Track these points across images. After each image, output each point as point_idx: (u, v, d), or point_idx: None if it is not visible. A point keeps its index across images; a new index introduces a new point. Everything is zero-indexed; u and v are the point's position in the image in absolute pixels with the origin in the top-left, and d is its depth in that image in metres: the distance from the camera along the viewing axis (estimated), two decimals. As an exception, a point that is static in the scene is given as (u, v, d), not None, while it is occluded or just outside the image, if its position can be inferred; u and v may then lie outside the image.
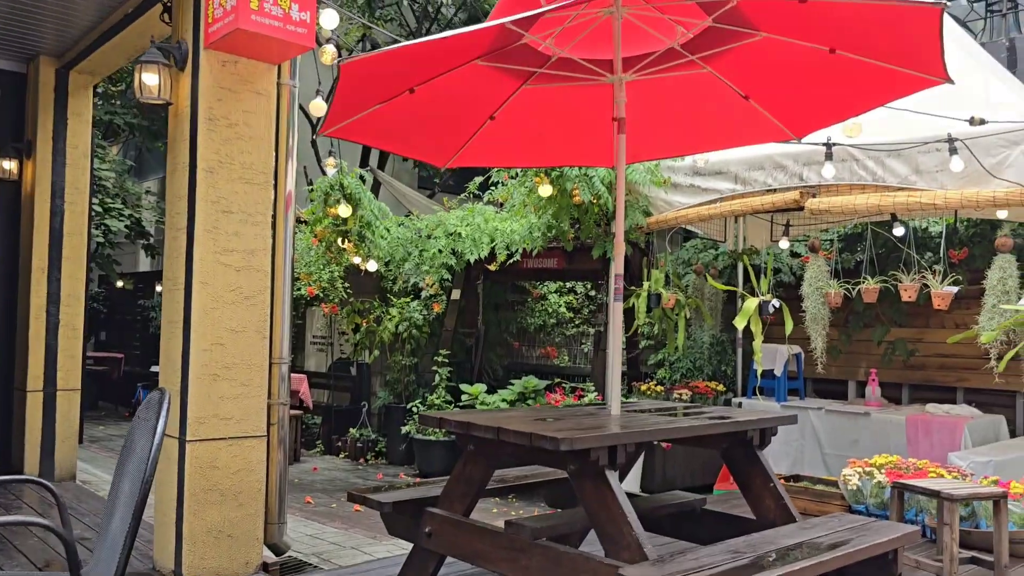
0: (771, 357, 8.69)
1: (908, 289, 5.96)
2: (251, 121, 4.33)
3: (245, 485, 4.32)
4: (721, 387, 8.56)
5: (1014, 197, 5.14)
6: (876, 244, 8.07)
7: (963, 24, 11.20)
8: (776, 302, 6.84)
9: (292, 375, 10.32)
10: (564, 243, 7.91)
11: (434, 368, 8.92)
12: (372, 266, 8.88)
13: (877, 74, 3.67)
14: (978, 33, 12.48)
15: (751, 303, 6.71)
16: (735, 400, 8.63)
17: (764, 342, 9.17)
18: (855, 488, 5.83)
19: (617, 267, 3.77)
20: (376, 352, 9.93)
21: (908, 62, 3.49)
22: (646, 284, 7.68)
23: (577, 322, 11.52)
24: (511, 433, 3.09)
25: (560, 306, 11.47)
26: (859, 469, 5.79)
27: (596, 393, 7.64)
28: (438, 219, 9.38)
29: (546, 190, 7.19)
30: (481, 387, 8.30)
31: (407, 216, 10.08)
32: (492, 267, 8.45)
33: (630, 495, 4.10)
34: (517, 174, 7.75)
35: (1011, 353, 5.18)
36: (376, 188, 14.22)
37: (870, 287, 6.36)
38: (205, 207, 4.19)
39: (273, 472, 4.75)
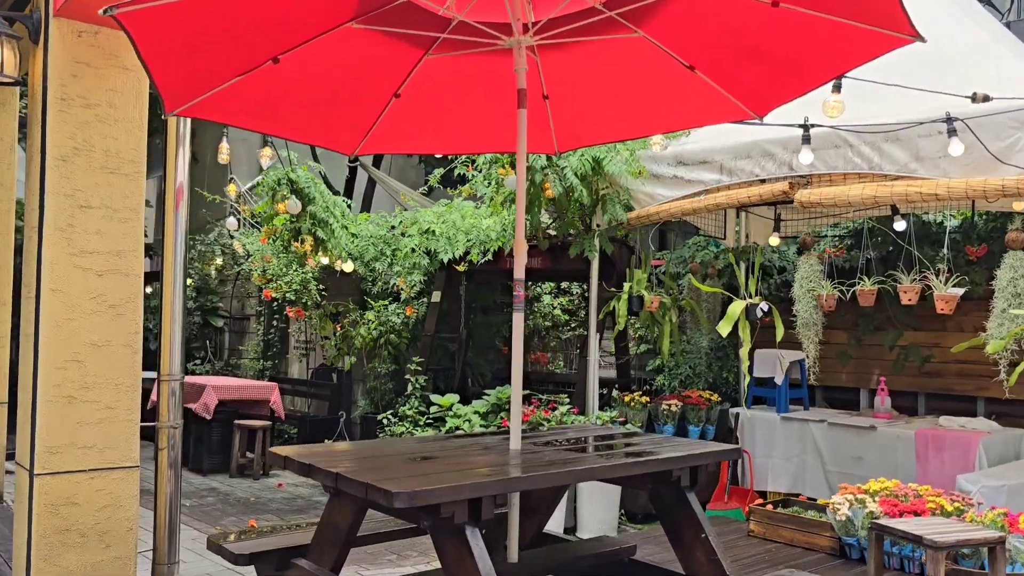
0: (770, 364, 7.94)
1: (908, 291, 5.22)
2: (116, 101, 3.75)
3: (113, 524, 3.75)
4: (716, 397, 7.83)
5: (1027, 184, 4.39)
6: (886, 241, 7.30)
7: (987, 2, 10.30)
8: (765, 305, 6.13)
9: (260, 383, 9.86)
10: (539, 241, 7.26)
11: (407, 376, 8.32)
12: (348, 266, 8.30)
13: (833, 32, 2.98)
14: (1005, 12, 11.54)
15: (736, 306, 6.01)
16: (733, 411, 7.91)
17: (763, 347, 8.46)
18: (844, 519, 5.11)
19: (517, 271, 3.12)
20: (352, 359, 9.36)
21: (864, 15, 2.80)
22: (627, 285, 7.00)
23: (573, 325, 10.86)
24: (347, 481, 2.46)
25: (555, 308, 10.82)
26: (850, 496, 5.07)
27: (571, 406, 6.98)
28: (414, 216, 8.77)
29: (511, 182, 6.54)
30: (454, 397, 7.67)
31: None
32: (460, 268, 7.82)
33: (552, 538, 3.46)
34: (478, 163, 7.10)
35: (1023, 366, 4.43)
36: (372, 187, 13.68)
37: (866, 289, 5.62)
38: (57, 201, 3.62)
39: (162, 506, 4.18)
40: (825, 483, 7.19)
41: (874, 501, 4.97)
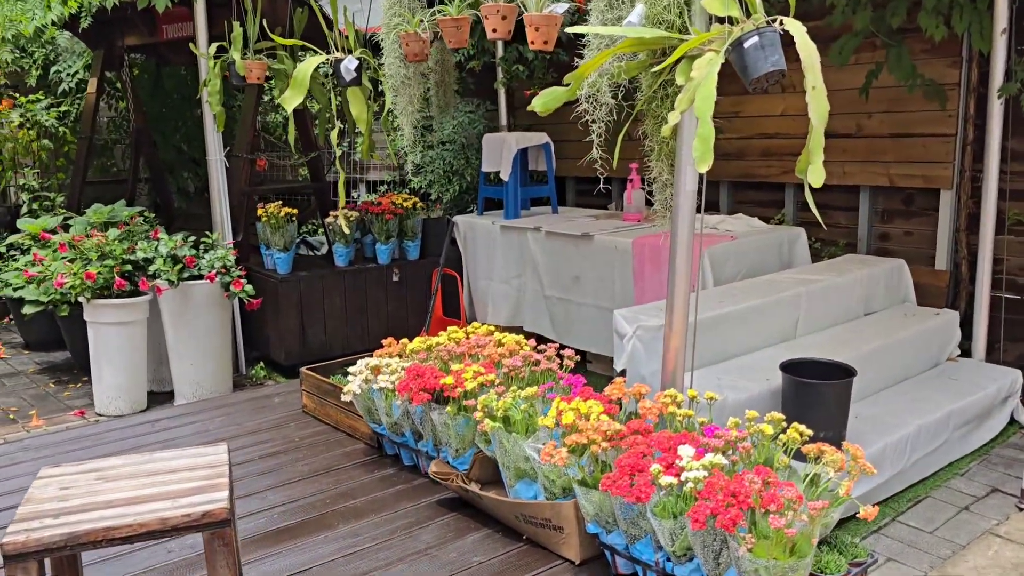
0: (496, 152, 5.84)
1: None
2: None
3: None
4: (415, 202, 5.77)
5: None
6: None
7: None
8: (356, 60, 3.90)
9: None
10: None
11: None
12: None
13: None
14: None
15: (308, 66, 3.79)
16: (458, 220, 5.89)
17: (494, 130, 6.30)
18: (363, 401, 3.25)
19: None
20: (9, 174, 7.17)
21: None
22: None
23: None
24: None
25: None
26: (365, 365, 3.15)
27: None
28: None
29: None
30: (49, 220, 5.59)
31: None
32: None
33: None
34: None
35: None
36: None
37: None
38: None
39: None
40: (546, 313, 5.31)
41: (390, 376, 3.08)
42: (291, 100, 3.88)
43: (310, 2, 4.47)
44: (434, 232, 5.96)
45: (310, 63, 3.83)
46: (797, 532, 1.99)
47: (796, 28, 2.14)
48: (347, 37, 4.12)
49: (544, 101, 2.64)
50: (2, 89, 7.63)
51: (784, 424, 2.31)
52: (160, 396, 4.99)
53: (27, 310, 5.10)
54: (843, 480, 2.15)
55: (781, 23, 2.27)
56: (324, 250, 6.84)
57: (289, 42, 4.31)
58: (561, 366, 3.12)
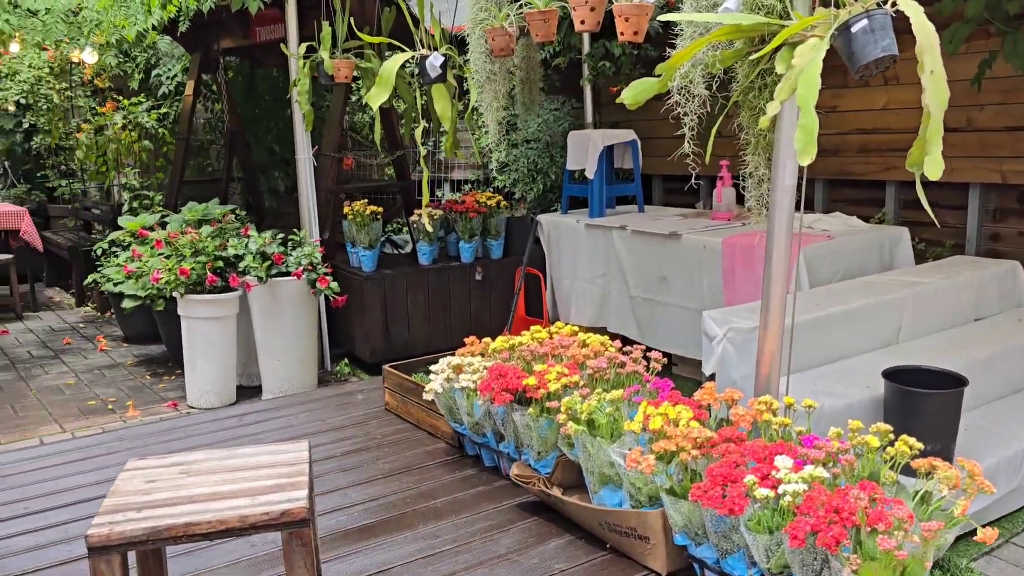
0: (581, 149, 5.74)
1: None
2: None
3: None
4: (499, 200, 5.73)
5: None
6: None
7: None
8: (442, 56, 3.87)
9: (4, 210, 8.14)
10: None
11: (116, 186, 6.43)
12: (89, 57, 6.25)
13: None
14: None
15: (393, 63, 3.78)
16: (543, 218, 5.82)
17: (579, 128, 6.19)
18: (445, 399, 3.19)
19: None
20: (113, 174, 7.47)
21: None
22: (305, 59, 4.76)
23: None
24: None
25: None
26: (447, 363, 3.09)
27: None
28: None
29: None
30: (147, 218, 5.78)
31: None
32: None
33: None
34: None
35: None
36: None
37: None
38: None
39: None
40: (631, 314, 5.20)
41: (473, 377, 3.00)
42: (377, 98, 3.87)
43: (398, 1, 4.47)
44: (518, 231, 5.90)
45: (395, 61, 3.81)
46: (908, 554, 1.83)
47: (911, 8, 1.98)
48: (433, 35, 4.10)
49: (634, 93, 2.54)
50: (107, 92, 7.96)
51: (892, 436, 2.15)
52: (248, 390, 5.08)
53: (126, 304, 5.28)
54: (959, 499, 1.98)
55: (893, 4, 2.11)
56: (408, 248, 6.87)
57: (376, 40, 4.31)
58: (647, 368, 3.00)
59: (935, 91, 1.89)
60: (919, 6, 1.99)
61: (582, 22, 3.14)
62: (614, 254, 5.25)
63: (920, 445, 2.14)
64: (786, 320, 2.64)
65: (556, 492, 2.90)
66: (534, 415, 2.82)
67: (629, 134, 5.77)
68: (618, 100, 2.55)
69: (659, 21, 2.59)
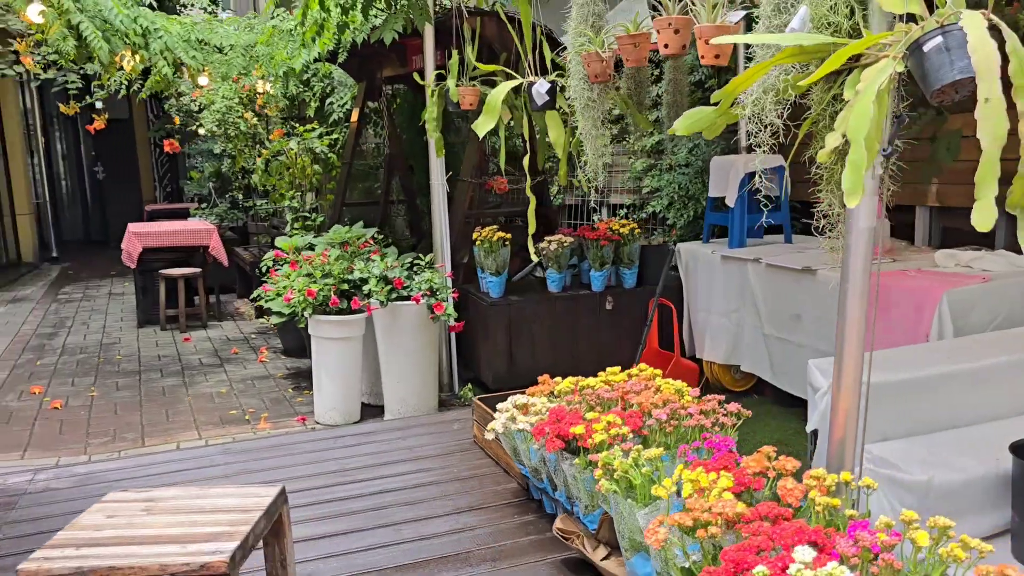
0: (723, 175, 5.43)
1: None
2: None
3: None
4: (631, 227, 5.52)
5: None
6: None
7: None
8: (547, 83, 3.77)
9: (196, 227, 8.88)
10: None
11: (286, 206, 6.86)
12: (203, 81, 6.84)
13: None
14: None
15: (499, 91, 3.75)
16: (681, 247, 5.57)
17: (724, 153, 5.83)
18: (510, 440, 3.04)
19: None
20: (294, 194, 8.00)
21: None
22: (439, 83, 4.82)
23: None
24: None
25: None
26: (513, 402, 2.96)
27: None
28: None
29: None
30: (302, 239, 6.11)
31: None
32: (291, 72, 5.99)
33: None
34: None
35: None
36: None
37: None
38: None
39: None
40: (765, 353, 4.83)
41: (536, 414, 2.84)
42: (483, 126, 3.85)
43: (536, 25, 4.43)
44: (653, 259, 5.66)
45: (502, 88, 3.77)
46: None
47: (972, 22, 1.65)
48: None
49: (688, 123, 2.33)
50: (288, 120, 8.57)
51: (951, 533, 1.78)
52: (374, 409, 5.22)
53: (274, 320, 5.61)
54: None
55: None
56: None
57: (489, 68, 4.30)
58: (716, 422, 2.71)
59: (989, 123, 1.55)
60: (982, 19, 1.65)
61: (665, 46, 2.94)
62: (748, 288, 4.90)
63: (990, 548, 1.75)
64: (862, 377, 2.30)
65: (596, 552, 2.69)
66: (581, 466, 2.64)
67: (777, 159, 5.36)
68: (670, 131, 2.34)
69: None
